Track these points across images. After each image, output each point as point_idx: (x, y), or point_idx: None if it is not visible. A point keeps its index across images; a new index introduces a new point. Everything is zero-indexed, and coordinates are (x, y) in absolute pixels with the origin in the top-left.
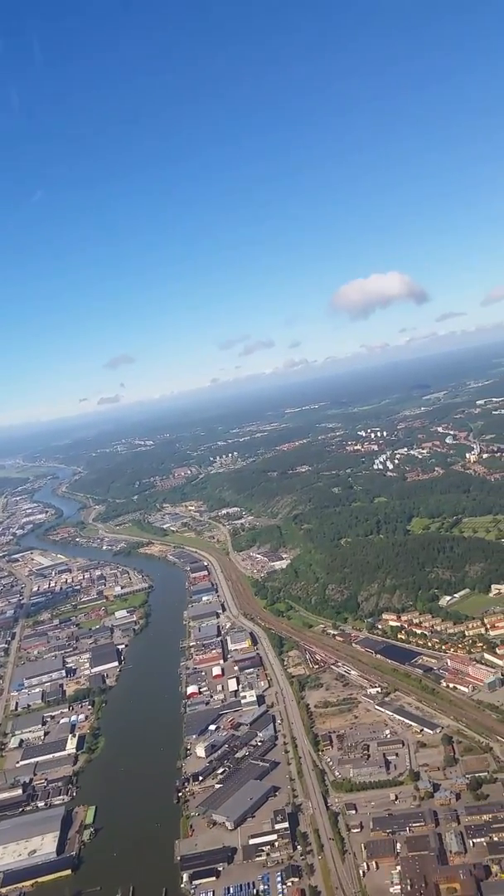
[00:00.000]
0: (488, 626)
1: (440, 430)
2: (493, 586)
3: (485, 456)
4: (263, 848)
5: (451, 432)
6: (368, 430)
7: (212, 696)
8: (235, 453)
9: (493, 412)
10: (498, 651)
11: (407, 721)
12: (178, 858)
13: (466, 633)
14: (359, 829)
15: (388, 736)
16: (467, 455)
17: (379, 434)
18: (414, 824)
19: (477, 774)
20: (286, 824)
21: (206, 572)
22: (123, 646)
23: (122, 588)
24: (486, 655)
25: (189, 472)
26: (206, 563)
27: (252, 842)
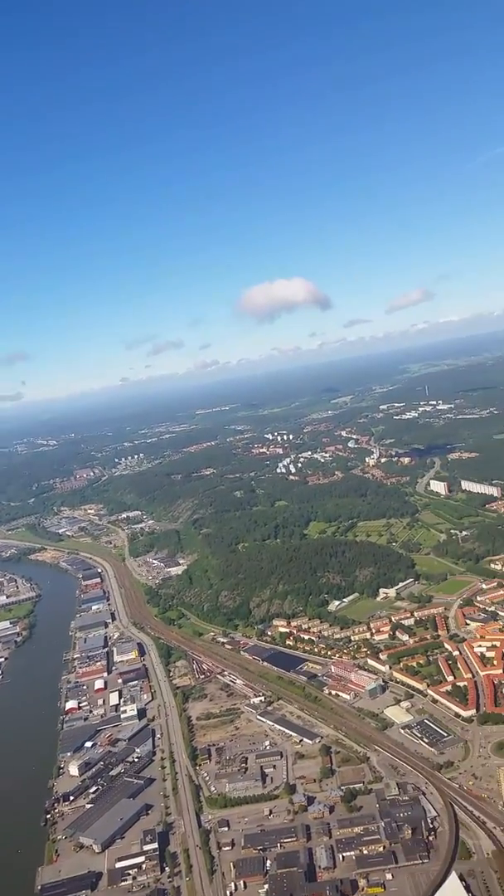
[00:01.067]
0: (373, 631)
1: (344, 433)
2: (380, 590)
3: (383, 460)
4: (130, 871)
5: (354, 436)
6: (276, 433)
7: (91, 711)
8: (141, 455)
9: (394, 417)
10: (381, 656)
11: (287, 731)
12: (39, 888)
13: (352, 638)
14: (230, 847)
15: (268, 748)
16: (367, 459)
17: (285, 437)
18: (285, 840)
19: (352, 786)
20: (155, 845)
21: (98, 580)
22: (3, 659)
23: (6, 597)
24: (370, 661)
25: (92, 473)
26: (99, 570)
27: (119, 865)
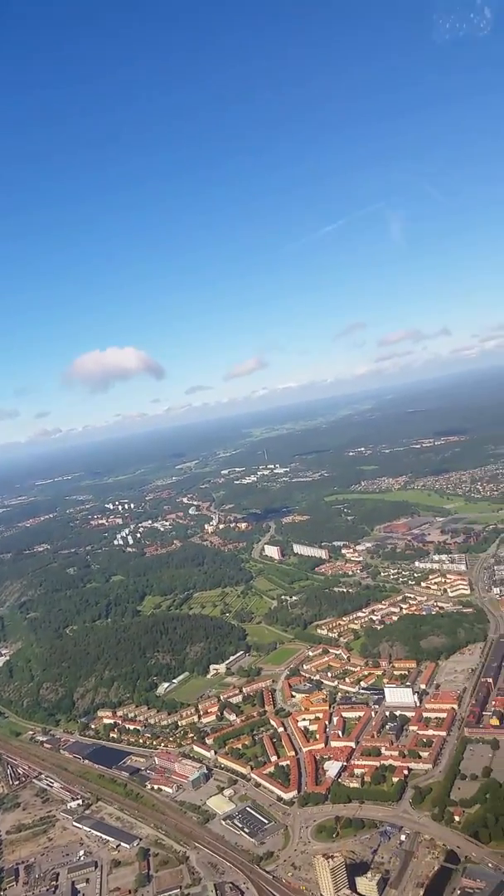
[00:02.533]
0: (201, 713)
1: (185, 500)
2: (211, 667)
3: (221, 526)
4: None
5: (195, 503)
6: (117, 503)
7: None
8: None
9: (235, 482)
10: (207, 741)
11: (105, 836)
12: None
13: (180, 724)
14: None
15: (82, 858)
16: (206, 526)
17: (127, 506)
18: None
19: (169, 892)
20: None
21: None
22: None
23: None
24: (196, 748)
25: None
26: None
27: None
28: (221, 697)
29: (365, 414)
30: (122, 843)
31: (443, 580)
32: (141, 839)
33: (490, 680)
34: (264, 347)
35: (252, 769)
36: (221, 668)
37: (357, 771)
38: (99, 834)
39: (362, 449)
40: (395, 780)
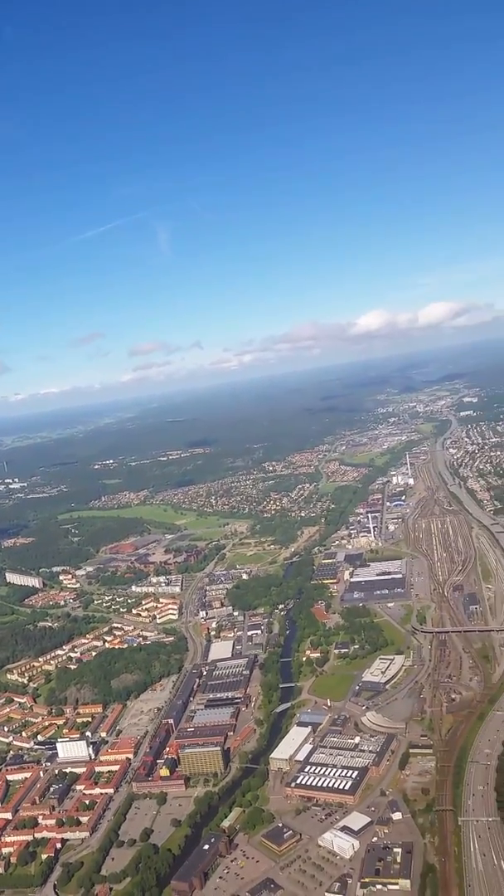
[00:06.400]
0: None
1: None
2: None
3: None
4: None
5: None
6: None
7: None
8: None
9: None
10: None
11: None
12: None
13: None
14: None
15: None
16: None
17: None
18: None
19: None
20: None
21: None
22: None
23: None
24: None
25: None
26: None
27: None
28: None
29: (125, 423)
30: None
31: (155, 605)
32: None
33: (171, 721)
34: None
35: None
36: None
37: (5, 850)
38: None
39: (110, 461)
40: (44, 856)
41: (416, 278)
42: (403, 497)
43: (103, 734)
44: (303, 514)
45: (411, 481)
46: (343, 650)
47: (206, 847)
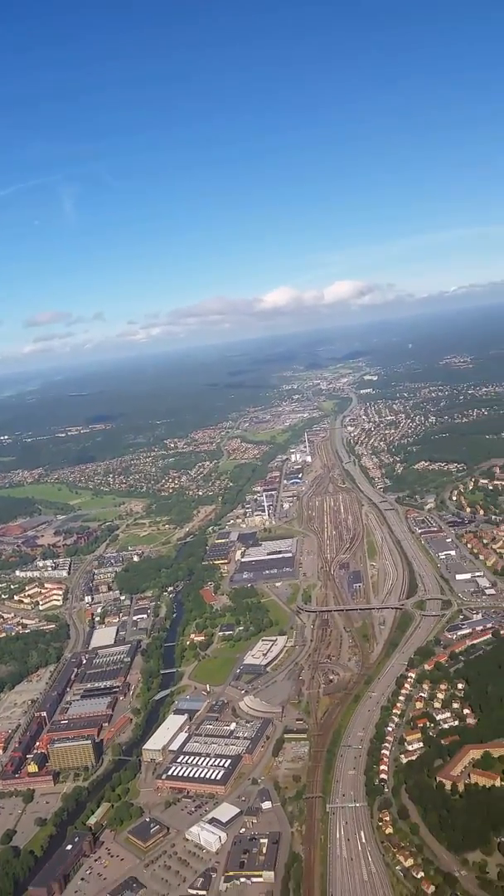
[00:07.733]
0: None
1: None
2: None
3: None
4: None
5: None
6: None
7: None
8: None
9: None
10: None
11: None
12: None
13: None
14: None
15: None
16: None
17: None
18: None
19: None
20: None
21: None
22: None
23: None
24: None
25: None
26: None
27: None
28: None
29: (25, 396)
30: None
31: (39, 591)
32: None
33: (45, 714)
34: None
35: None
36: None
37: None
38: None
39: (4, 437)
40: None
41: (324, 257)
42: (300, 475)
43: None
44: (200, 493)
45: (309, 459)
46: (227, 632)
47: (69, 847)
